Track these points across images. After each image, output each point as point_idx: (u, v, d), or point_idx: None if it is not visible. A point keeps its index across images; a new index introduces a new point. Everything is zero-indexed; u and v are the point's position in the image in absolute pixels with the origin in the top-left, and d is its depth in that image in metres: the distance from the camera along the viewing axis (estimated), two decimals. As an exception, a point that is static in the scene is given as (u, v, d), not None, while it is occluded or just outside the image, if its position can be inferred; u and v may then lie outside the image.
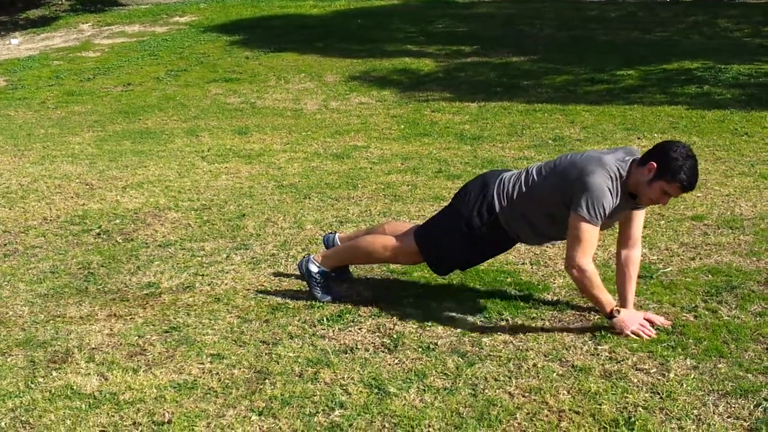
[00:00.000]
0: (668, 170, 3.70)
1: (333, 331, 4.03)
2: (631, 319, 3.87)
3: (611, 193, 3.76)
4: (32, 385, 3.61)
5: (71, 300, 4.55)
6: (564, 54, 12.48)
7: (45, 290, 4.70)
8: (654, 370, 3.56)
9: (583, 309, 4.16)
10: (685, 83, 10.31)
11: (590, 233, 3.78)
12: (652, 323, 3.90)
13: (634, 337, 3.80)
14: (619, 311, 3.86)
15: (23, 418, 3.34)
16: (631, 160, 3.83)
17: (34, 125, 9.99)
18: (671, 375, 3.50)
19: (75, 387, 3.57)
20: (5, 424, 3.31)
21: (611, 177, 3.78)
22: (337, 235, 4.78)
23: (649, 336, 3.79)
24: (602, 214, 3.76)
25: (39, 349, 3.96)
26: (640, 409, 3.26)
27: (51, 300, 4.57)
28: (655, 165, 3.73)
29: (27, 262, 5.18)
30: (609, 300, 3.87)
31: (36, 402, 3.47)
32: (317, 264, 4.39)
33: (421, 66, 12.29)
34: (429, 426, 3.20)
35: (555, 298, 4.30)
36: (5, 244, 5.50)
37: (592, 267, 3.84)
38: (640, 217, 4.02)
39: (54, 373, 3.70)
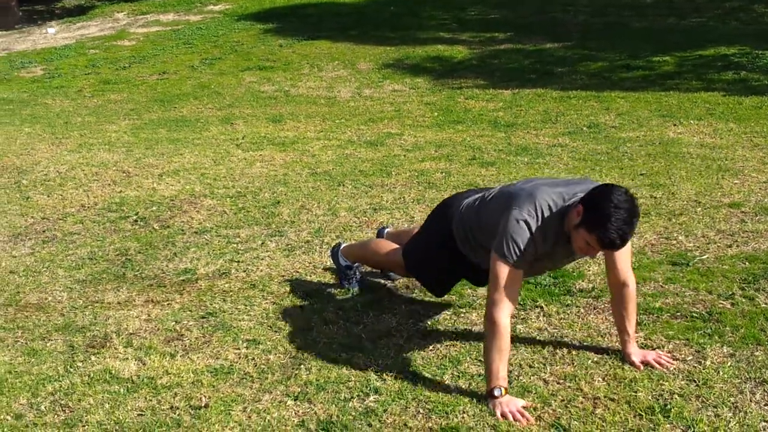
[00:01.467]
0: (591, 219, 3.16)
1: (367, 317, 4.05)
2: (508, 403, 3.20)
3: (532, 233, 3.28)
4: (71, 370, 3.66)
5: (109, 286, 4.61)
6: (598, 40, 12.38)
7: (83, 276, 4.76)
8: (690, 357, 3.54)
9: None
10: (721, 69, 10.18)
11: (508, 276, 3.28)
12: (648, 363, 3.48)
13: (501, 418, 3.16)
14: (501, 392, 3.22)
15: (63, 402, 3.40)
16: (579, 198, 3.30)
17: (71, 113, 10.09)
18: (707, 363, 3.49)
19: (113, 371, 3.62)
20: (45, 407, 3.36)
21: (537, 215, 3.30)
22: (387, 229, 4.76)
23: (522, 424, 3.13)
24: (518, 255, 3.27)
25: (78, 334, 4.02)
26: (676, 396, 3.25)
27: (89, 286, 4.63)
28: (582, 209, 3.22)
29: (66, 248, 5.25)
30: (499, 374, 3.25)
31: (75, 386, 3.52)
32: (343, 255, 4.41)
33: (455, 53, 12.25)
34: (463, 412, 3.21)
35: (590, 285, 4.29)
36: (44, 231, 5.58)
37: (505, 323, 3.26)
38: (620, 254, 3.46)
39: (93, 358, 3.76)
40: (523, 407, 3.20)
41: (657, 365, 3.46)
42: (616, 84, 9.94)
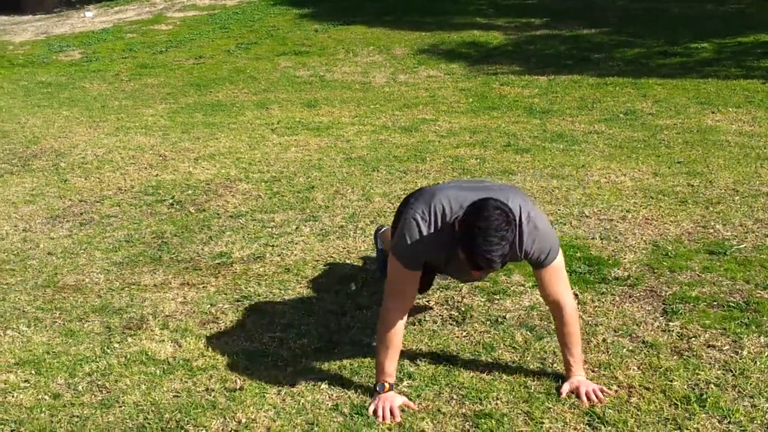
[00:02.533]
0: (462, 236, 2.95)
1: (401, 302, 4.05)
2: (386, 399, 3.16)
3: (422, 234, 3.10)
4: (108, 351, 3.71)
5: (145, 268, 4.65)
6: (636, 26, 12.25)
7: (120, 258, 4.81)
8: (727, 347, 3.51)
9: (654, 285, 4.11)
10: (761, 57, 10.04)
11: (398, 275, 3.18)
12: (578, 393, 3.21)
13: (371, 413, 3.13)
14: (383, 388, 3.19)
15: (99, 383, 3.44)
16: None
17: (109, 97, 10.17)
18: (744, 353, 3.45)
19: (149, 353, 3.66)
20: (82, 387, 3.41)
21: (429, 218, 3.11)
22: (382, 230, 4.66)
23: (381, 421, 3.09)
24: (407, 254, 3.13)
25: (115, 315, 4.06)
26: (712, 386, 3.22)
27: (126, 268, 4.68)
28: (458, 224, 3.01)
29: (103, 231, 5.30)
30: (385, 369, 3.21)
31: (112, 367, 3.56)
32: (380, 239, 4.39)
33: (490, 39, 12.18)
34: (497, 399, 3.21)
35: (626, 273, 4.26)
36: (81, 214, 5.64)
37: (394, 321, 3.18)
38: (545, 274, 3.21)
39: (129, 339, 3.80)
40: (402, 405, 3.15)
41: (585, 399, 3.16)
42: (654, 71, 9.84)
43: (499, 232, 2.87)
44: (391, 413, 3.11)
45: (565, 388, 3.23)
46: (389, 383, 3.20)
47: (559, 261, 3.21)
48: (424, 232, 3.10)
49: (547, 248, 3.15)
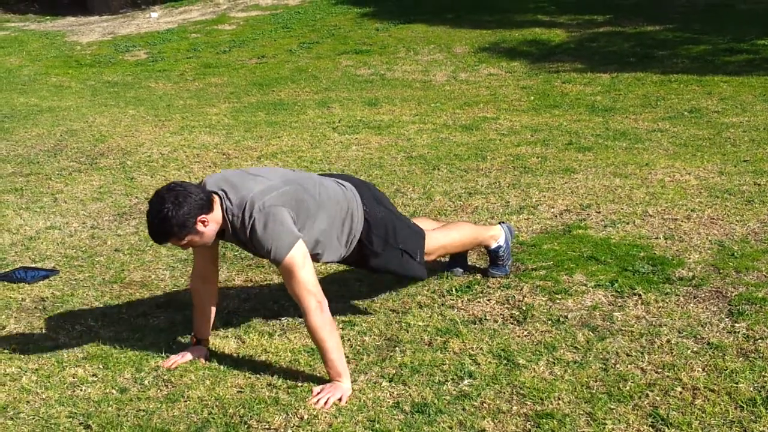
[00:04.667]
0: None
1: (462, 301, 4.06)
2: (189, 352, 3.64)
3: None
4: (173, 346, 3.77)
5: (209, 265, 4.72)
6: (702, 23, 12.05)
7: (185, 255, 4.88)
8: (794, 349, 3.44)
9: (720, 285, 4.05)
10: (832, 52, 9.83)
11: None
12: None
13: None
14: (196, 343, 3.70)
15: (165, 377, 3.50)
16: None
17: (174, 96, 10.33)
18: (813, 355, 3.39)
19: (214, 349, 3.72)
20: (148, 382, 3.47)
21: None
22: None
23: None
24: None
25: (179, 311, 4.14)
26: (779, 389, 3.17)
27: (190, 265, 4.73)
28: None
29: (168, 228, 5.38)
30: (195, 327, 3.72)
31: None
32: None
33: (552, 36, 12.09)
34: (558, 399, 3.19)
35: (690, 273, 4.20)
36: (147, 211, 5.74)
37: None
38: (281, 271, 3.39)
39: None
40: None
41: (314, 397, 3.27)
42: (719, 68, 9.68)
43: (151, 213, 3.26)
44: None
45: (316, 389, 3.33)
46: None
47: (289, 263, 3.29)
48: None
49: (269, 245, 3.29)
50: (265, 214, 3.29)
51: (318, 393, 3.27)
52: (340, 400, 3.25)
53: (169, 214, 3.20)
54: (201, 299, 3.65)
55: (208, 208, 3.29)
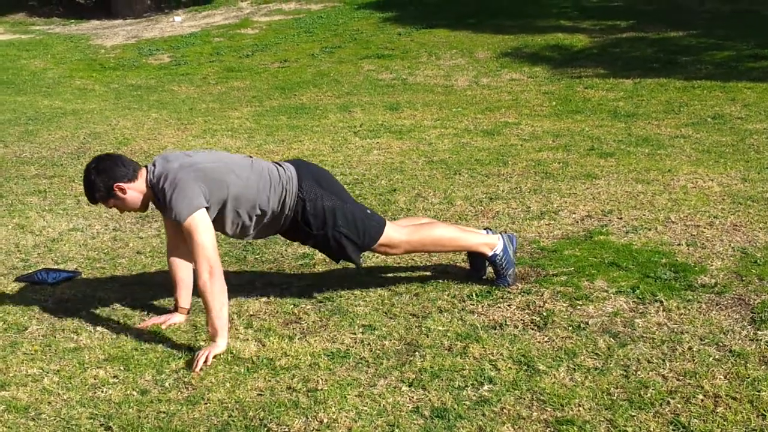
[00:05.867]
0: None
1: (482, 306, 4.05)
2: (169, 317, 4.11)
3: None
4: (194, 348, 3.78)
5: (231, 268, 4.74)
6: (725, 29, 11.99)
7: (206, 258, 4.90)
8: (818, 358, 3.41)
9: (742, 293, 4.02)
10: None
11: None
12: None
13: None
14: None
15: (185, 379, 3.51)
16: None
17: (196, 100, 10.38)
18: (837, 364, 3.35)
19: (234, 351, 3.72)
20: (169, 384, 3.49)
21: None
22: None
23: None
24: None
25: (200, 314, 4.14)
26: (802, 398, 3.14)
27: (211, 268, 4.77)
28: None
29: (189, 231, 5.41)
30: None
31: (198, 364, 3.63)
32: None
33: (575, 42, 12.06)
34: (579, 405, 3.18)
35: (713, 280, 4.18)
36: (169, 214, 5.77)
37: None
38: (182, 230, 3.82)
39: (214, 338, 3.87)
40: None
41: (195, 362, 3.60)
42: (743, 74, 9.63)
43: (83, 178, 3.89)
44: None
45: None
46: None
47: (188, 225, 3.72)
48: None
49: (174, 210, 3.73)
50: (175, 185, 3.75)
51: (197, 357, 3.60)
52: (216, 357, 3.61)
53: (91, 178, 3.82)
54: (173, 267, 4.08)
55: (130, 178, 3.84)
